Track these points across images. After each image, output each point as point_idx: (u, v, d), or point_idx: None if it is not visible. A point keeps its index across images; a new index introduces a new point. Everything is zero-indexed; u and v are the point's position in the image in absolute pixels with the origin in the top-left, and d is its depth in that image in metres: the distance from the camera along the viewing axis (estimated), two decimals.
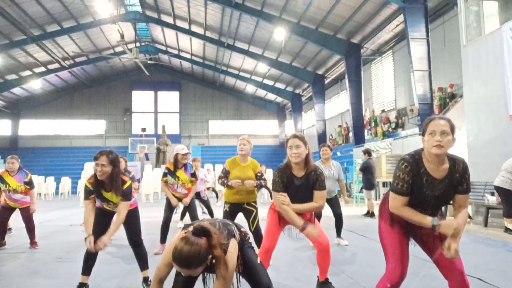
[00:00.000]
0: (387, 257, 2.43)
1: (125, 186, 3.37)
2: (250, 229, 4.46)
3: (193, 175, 5.51)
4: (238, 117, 31.78)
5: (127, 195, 3.37)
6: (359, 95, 17.99)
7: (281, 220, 3.33)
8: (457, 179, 2.30)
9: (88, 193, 3.39)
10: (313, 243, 3.33)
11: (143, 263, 3.63)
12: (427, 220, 2.26)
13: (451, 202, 2.41)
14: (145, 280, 3.61)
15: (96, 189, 3.37)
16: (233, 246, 2.25)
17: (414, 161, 2.30)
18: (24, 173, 5.80)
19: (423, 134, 2.32)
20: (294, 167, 3.18)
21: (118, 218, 3.35)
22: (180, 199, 5.53)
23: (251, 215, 4.47)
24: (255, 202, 4.55)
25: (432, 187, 2.29)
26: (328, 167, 5.88)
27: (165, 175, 5.44)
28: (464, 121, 9.66)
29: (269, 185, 11.50)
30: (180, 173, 5.43)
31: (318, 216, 5.76)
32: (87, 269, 3.44)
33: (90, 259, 3.43)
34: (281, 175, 3.17)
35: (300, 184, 3.16)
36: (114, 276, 4.16)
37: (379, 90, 19.56)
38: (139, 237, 3.63)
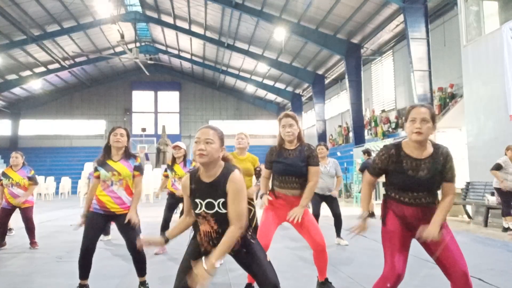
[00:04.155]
0: (386, 257, 2.43)
1: (138, 160, 3.62)
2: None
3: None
4: (238, 117, 31.78)
5: (141, 169, 3.63)
6: (359, 95, 17.99)
7: (276, 217, 3.32)
8: (441, 162, 2.38)
9: (94, 171, 3.61)
10: (309, 242, 3.30)
11: (141, 270, 3.54)
12: (362, 210, 2.62)
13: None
14: (142, 283, 3.57)
15: (103, 160, 3.54)
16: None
17: (394, 147, 2.46)
18: (28, 168, 5.89)
19: (405, 121, 2.46)
20: (286, 143, 3.37)
21: (137, 191, 3.57)
22: (179, 196, 5.51)
23: (249, 214, 4.47)
24: (252, 200, 4.56)
25: (415, 168, 2.39)
26: (324, 164, 5.95)
27: (165, 170, 5.72)
28: (464, 121, 9.66)
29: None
30: (177, 167, 5.51)
31: (316, 216, 5.77)
32: (84, 274, 3.37)
33: (85, 264, 3.35)
34: (272, 152, 3.38)
35: (290, 155, 3.30)
36: (113, 276, 4.16)
37: (379, 90, 19.56)
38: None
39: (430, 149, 2.41)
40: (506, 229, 6.98)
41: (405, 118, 2.45)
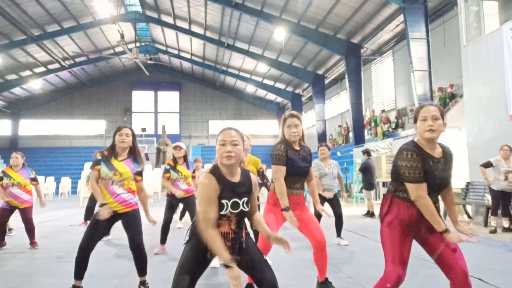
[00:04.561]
0: (386, 259, 2.42)
1: (142, 166, 3.69)
2: (251, 227, 4.46)
3: (194, 171, 5.71)
4: (238, 117, 31.78)
5: (142, 174, 3.73)
6: (359, 95, 17.99)
7: (278, 218, 3.31)
8: (450, 161, 2.44)
9: (95, 163, 3.55)
10: (310, 240, 3.31)
11: (142, 269, 3.53)
12: (442, 224, 2.27)
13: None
14: (143, 283, 3.56)
15: (108, 157, 3.53)
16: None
17: (414, 146, 2.38)
18: (29, 170, 5.93)
19: (415, 121, 2.44)
20: (292, 144, 3.36)
21: (143, 194, 3.70)
22: (180, 197, 5.51)
23: None
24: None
25: (436, 167, 2.37)
26: (327, 165, 6.00)
27: (167, 171, 5.45)
28: (464, 121, 9.67)
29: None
30: (182, 168, 5.48)
31: (318, 216, 5.78)
32: (80, 273, 3.35)
33: (82, 262, 3.34)
34: (286, 149, 3.29)
35: (298, 156, 3.33)
36: (114, 275, 4.16)
37: (379, 90, 19.56)
38: (142, 241, 3.49)
39: (439, 148, 2.43)
40: (506, 229, 6.99)
41: (414, 119, 2.44)
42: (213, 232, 2.15)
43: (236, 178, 2.26)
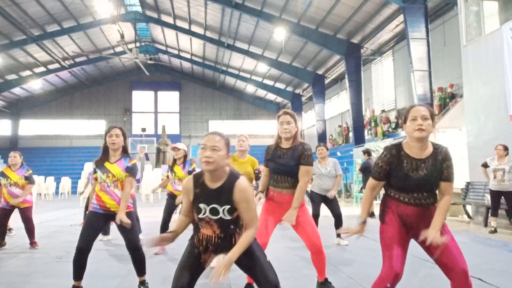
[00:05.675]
0: (384, 257, 2.43)
1: (132, 161, 3.58)
2: None
3: (190, 172, 5.55)
4: (238, 117, 31.77)
5: (132, 171, 3.55)
6: (359, 95, 17.99)
7: (273, 216, 3.30)
8: (440, 162, 2.39)
9: (93, 172, 3.63)
10: (305, 243, 3.29)
11: (140, 269, 3.53)
12: (363, 214, 2.60)
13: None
14: (142, 283, 3.56)
15: (101, 161, 3.55)
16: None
17: (394, 147, 2.46)
18: (26, 168, 5.89)
19: (404, 121, 2.45)
20: (283, 141, 3.35)
21: (124, 192, 3.50)
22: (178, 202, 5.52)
23: None
24: None
25: (415, 168, 2.38)
26: (324, 166, 5.98)
27: (167, 171, 5.68)
28: (464, 121, 9.67)
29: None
30: (177, 168, 5.52)
31: (316, 216, 5.77)
32: (78, 274, 3.34)
33: (80, 263, 3.32)
34: (268, 150, 3.41)
35: (284, 155, 3.28)
36: (114, 275, 4.16)
37: (379, 90, 19.55)
38: (138, 242, 3.48)
39: (430, 149, 2.42)
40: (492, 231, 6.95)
41: (404, 119, 2.44)
42: (181, 219, 2.34)
43: (216, 185, 2.21)
